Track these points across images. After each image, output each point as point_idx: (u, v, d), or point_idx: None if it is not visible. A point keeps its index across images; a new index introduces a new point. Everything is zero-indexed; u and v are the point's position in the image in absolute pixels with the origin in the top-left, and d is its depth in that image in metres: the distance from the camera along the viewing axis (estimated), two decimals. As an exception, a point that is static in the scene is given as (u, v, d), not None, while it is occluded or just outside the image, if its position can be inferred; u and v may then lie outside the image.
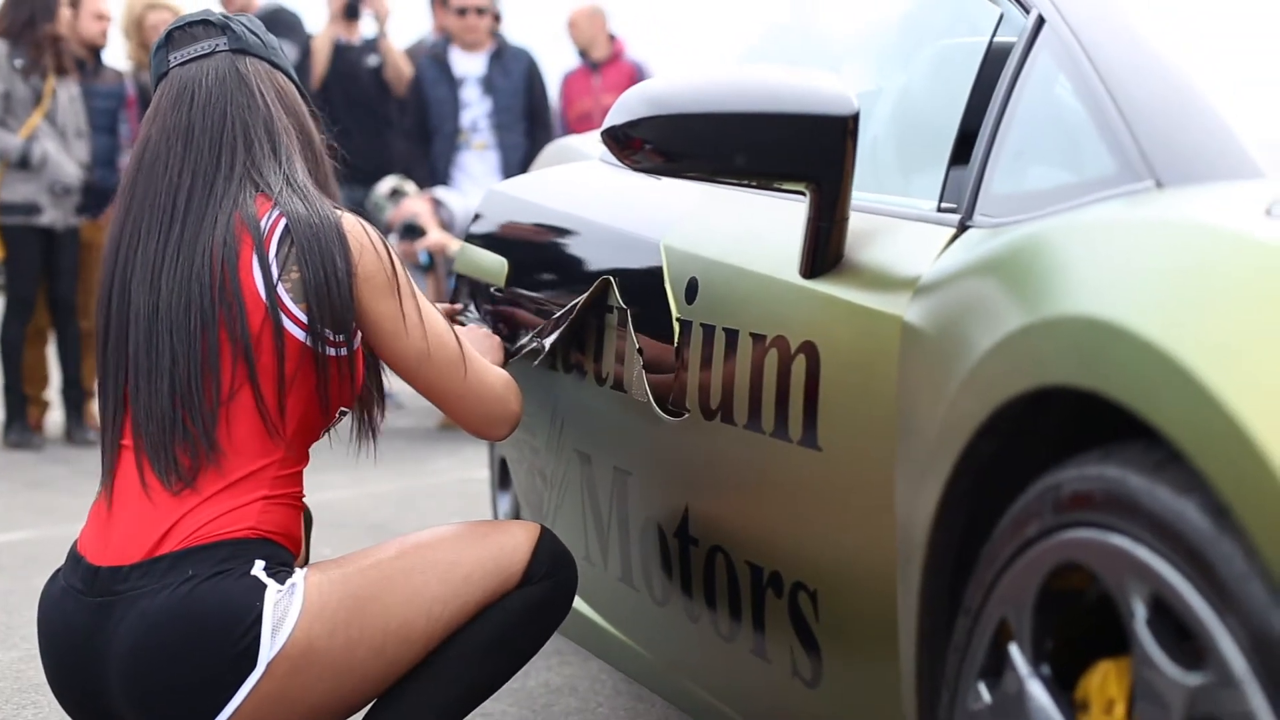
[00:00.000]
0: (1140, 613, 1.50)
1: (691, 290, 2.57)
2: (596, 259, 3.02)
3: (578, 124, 8.63)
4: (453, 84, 7.95)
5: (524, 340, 3.03)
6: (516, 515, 4.12)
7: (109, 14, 7.61)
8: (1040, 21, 2.21)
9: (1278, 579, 1.34)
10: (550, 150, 4.31)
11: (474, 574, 2.49)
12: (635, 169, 2.27)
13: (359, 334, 2.50)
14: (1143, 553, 1.49)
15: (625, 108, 2.22)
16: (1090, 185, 1.93)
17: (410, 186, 7.66)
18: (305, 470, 2.51)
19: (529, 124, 8.03)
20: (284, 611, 2.35)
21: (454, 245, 7.10)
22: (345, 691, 2.42)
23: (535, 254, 3.35)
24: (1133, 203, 1.79)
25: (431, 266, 7.22)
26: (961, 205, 2.13)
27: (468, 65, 8.01)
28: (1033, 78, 2.18)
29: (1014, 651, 1.69)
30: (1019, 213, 2.01)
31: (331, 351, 2.45)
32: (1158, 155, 1.86)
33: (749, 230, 2.55)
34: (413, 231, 7.17)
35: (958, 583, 1.88)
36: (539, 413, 3.15)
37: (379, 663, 2.43)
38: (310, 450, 2.54)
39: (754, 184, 2.27)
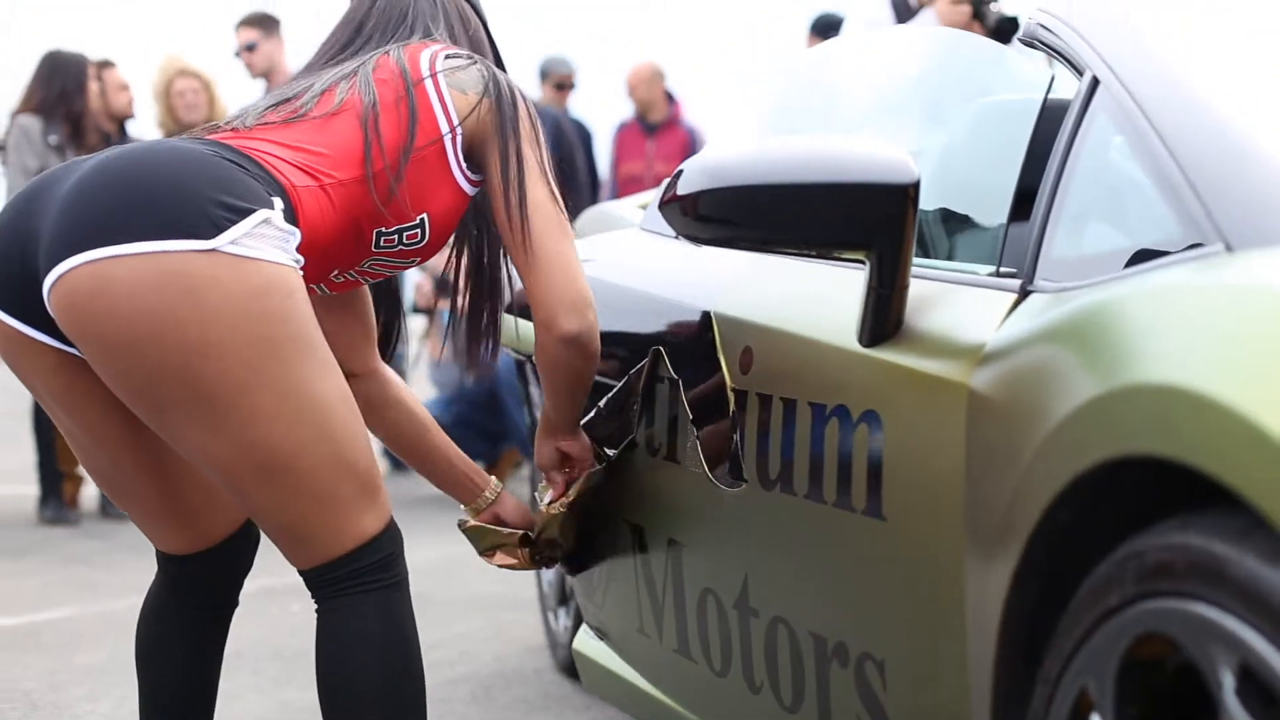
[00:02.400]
0: (1229, 682, 1.48)
1: (747, 360, 2.56)
2: (644, 328, 3.02)
3: (626, 185, 8.65)
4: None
5: (596, 423, 3.03)
6: (563, 586, 4.11)
7: (129, 84, 7.69)
8: (1095, 83, 2.21)
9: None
10: (588, 216, 4.32)
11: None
12: (696, 241, 2.27)
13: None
14: (1230, 622, 1.48)
15: (685, 180, 2.22)
16: (1155, 249, 1.92)
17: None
18: None
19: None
20: (265, 241, 2.31)
21: None
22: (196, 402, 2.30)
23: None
24: (1204, 267, 1.79)
25: None
26: (1022, 270, 2.13)
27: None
28: (1090, 140, 2.18)
29: (1096, 721, 1.68)
30: (1081, 277, 2.00)
31: (455, 166, 2.55)
32: (1225, 217, 1.86)
33: (803, 297, 2.54)
34: (447, 285, 7.21)
35: (1031, 653, 1.86)
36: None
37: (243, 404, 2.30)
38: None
39: (813, 253, 2.27)
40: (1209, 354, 1.56)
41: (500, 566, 3.02)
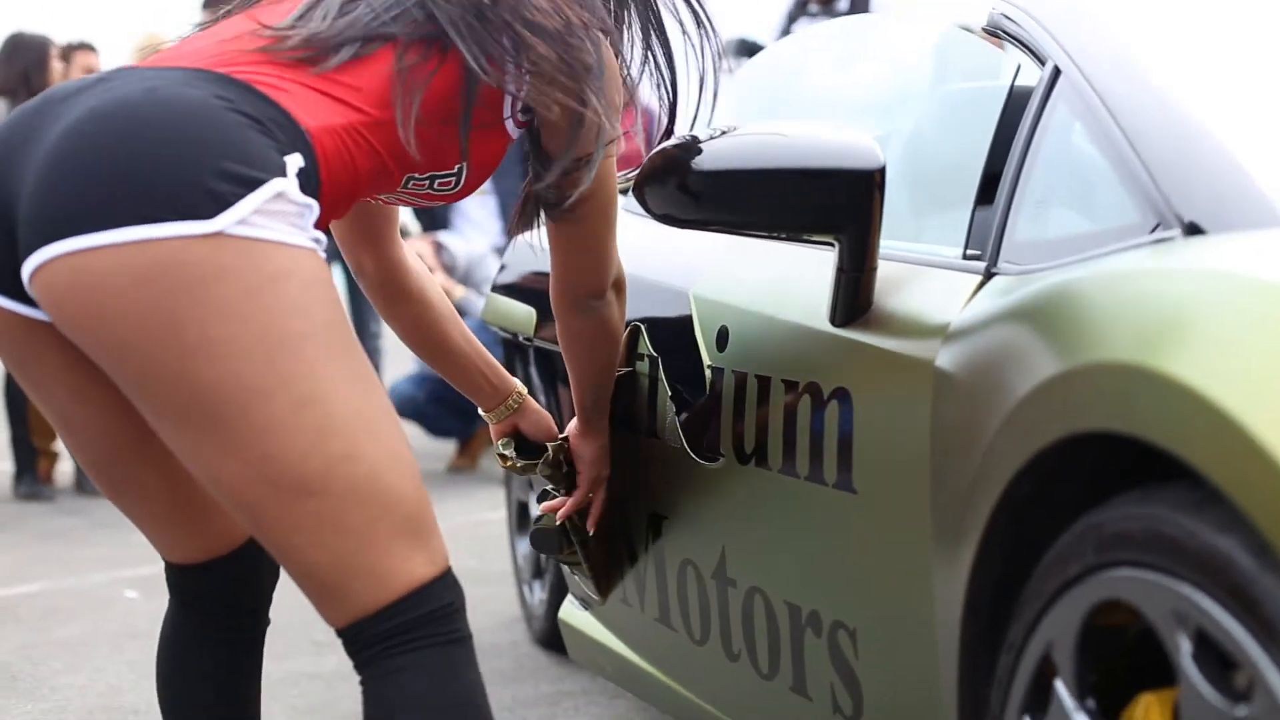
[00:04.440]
0: (1186, 647, 1.56)
1: (723, 339, 2.64)
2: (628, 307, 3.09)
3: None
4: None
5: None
6: (538, 560, 4.18)
7: (99, 67, 7.70)
8: (1056, 72, 2.28)
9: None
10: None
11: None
12: (668, 224, 2.34)
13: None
14: (1186, 589, 1.56)
15: (659, 164, 2.29)
16: (1115, 233, 2.00)
17: (414, 229, 7.75)
18: None
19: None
20: (278, 219, 1.93)
21: (457, 290, 7.19)
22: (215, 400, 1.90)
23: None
24: (1162, 251, 1.87)
25: None
26: (986, 253, 2.21)
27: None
28: (1051, 127, 2.25)
29: (1058, 686, 1.76)
30: (1043, 260, 2.08)
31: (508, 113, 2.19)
32: (1183, 204, 1.93)
33: (777, 279, 2.62)
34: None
35: (997, 622, 1.94)
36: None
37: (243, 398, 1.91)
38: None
39: (784, 237, 2.34)
40: (1163, 334, 1.63)
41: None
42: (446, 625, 2.00)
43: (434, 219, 8.06)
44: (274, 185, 1.91)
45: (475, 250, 7.54)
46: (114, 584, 5.13)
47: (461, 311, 7.23)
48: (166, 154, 1.89)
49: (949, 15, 2.86)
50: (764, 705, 2.58)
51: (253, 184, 1.89)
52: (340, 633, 2.02)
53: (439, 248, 7.42)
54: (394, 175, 2.14)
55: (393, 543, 1.96)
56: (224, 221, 1.87)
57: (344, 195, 2.09)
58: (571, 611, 3.48)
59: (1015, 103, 2.38)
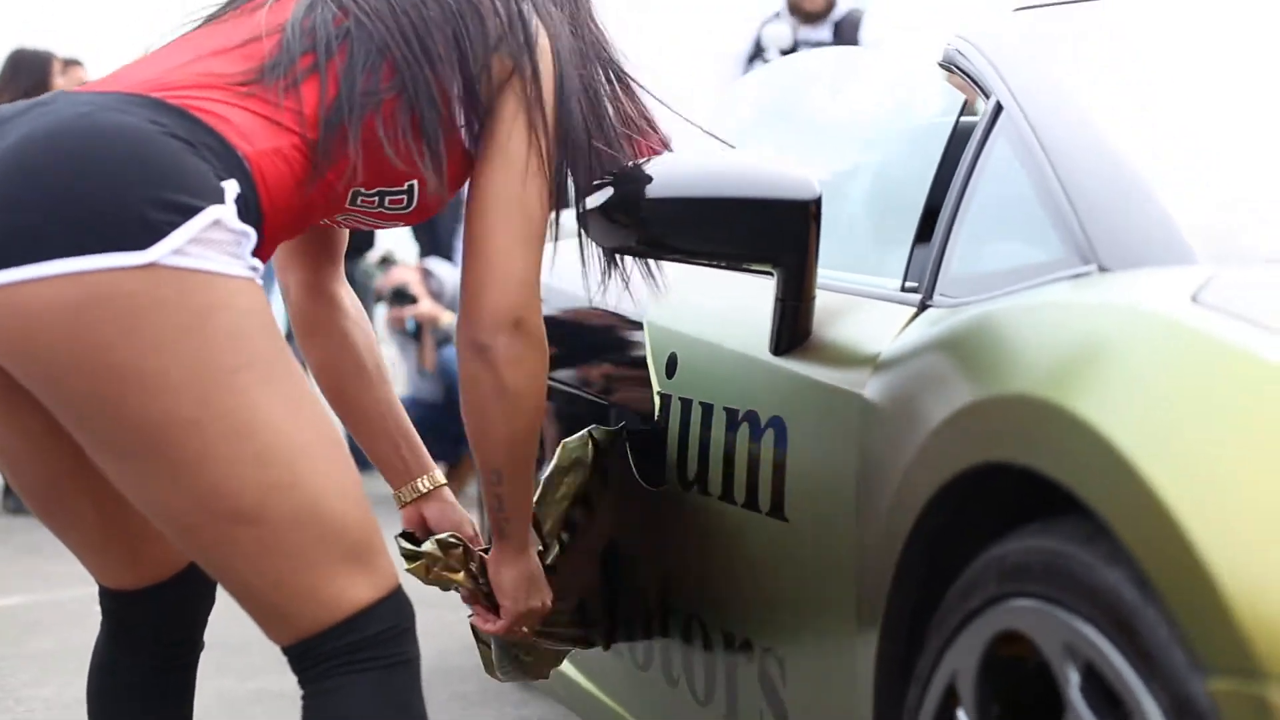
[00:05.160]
0: (1074, 679, 1.57)
1: (671, 366, 2.66)
2: (587, 335, 3.13)
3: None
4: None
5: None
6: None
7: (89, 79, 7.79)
8: (999, 108, 2.30)
9: (1195, 647, 1.41)
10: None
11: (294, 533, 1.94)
12: (610, 250, 2.36)
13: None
14: (1077, 622, 1.57)
15: (601, 192, 2.31)
16: (1041, 268, 2.01)
17: (400, 255, 7.80)
18: None
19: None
20: (214, 247, 1.89)
21: (445, 316, 7.23)
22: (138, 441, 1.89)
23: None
24: (1075, 286, 1.88)
25: (419, 334, 7.34)
26: (923, 285, 2.22)
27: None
28: (990, 163, 2.27)
29: (960, 717, 1.77)
30: (975, 293, 2.09)
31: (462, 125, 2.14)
32: (1101, 240, 1.95)
33: (726, 308, 2.64)
34: (402, 298, 7.30)
35: (911, 650, 1.95)
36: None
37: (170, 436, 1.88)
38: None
39: (724, 265, 2.36)
40: (1065, 366, 1.65)
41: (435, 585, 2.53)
42: (390, 648, 2.01)
43: (435, 243, 8.10)
44: (210, 213, 1.88)
45: (462, 276, 7.57)
46: (90, 599, 5.10)
47: (450, 338, 7.28)
48: (100, 182, 1.86)
49: (931, 49, 2.88)
50: (699, 731, 2.59)
51: (188, 212, 1.86)
52: (285, 650, 2.02)
53: (426, 274, 7.46)
54: (339, 193, 2.11)
55: (335, 567, 1.96)
56: (158, 252, 1.84)
57: (290, 220, 2.07)
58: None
59: (960, 138, 2.40)
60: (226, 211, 1.90)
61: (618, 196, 2.28)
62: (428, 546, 2.46)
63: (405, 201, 2.18)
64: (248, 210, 1.94)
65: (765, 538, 2.31)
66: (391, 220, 2.23)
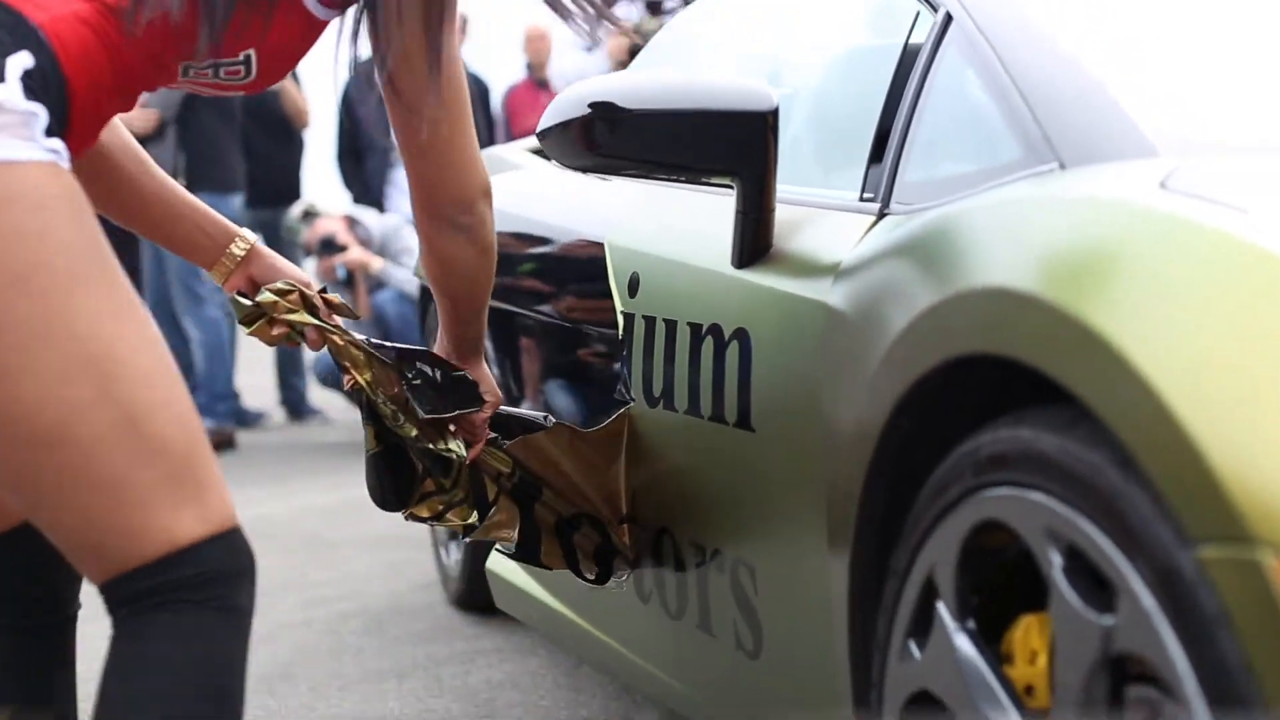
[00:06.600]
0: (1057, 561, 1.60)
1: (634, 285, 2.68)
2: (546, 259, 3.14)
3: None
4: (381, 101, 8.02)
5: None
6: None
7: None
8: (948, 19, 2.32)
9: (1182, 520, 1.44)
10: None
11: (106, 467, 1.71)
12: (571, 168, 2.38)
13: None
14: (1057, 505, 1.60)
15: (559, 109, 2.32)
16: (998, 170, 2.04)
17: (323, 207, 7.82)
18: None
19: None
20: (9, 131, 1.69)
21: (375, 263, 7.25)
22: None
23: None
24: (1038, 183, 1.91)
25: (350, 282, 7.35)
26: (879, 195, 2.25)
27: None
28: (942, 72, 2.29)
29: (940, 609, 1.80)
30: (932, 199, 2.12)
31: None
32: (1060, 139, 1.97)
33: (686, 227, 2.66)
34: (330, 248, 7.32)
35: (884, 551, 1.98)
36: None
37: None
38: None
39: (685, 179, 2.38)
40: (1035, 258, 1.67)
41: (275, 344, 2.43)
42: (215, 589, 1.75)
43: (366, 189, 8.08)
44: None
45: (389, 222, 7.61)
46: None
47: (382, 283, 7.28)
48: None
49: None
50: (672, 644, 2.62)
51: None
52: (100, 589, 1.78)
53: (352, 223, 7.47)
54: (168, 65, 1.92)
55: (151, 495, 1.72)
56: None
57: (106, 92, 1.85)
58: (497, 560, 3.52)
59: (911, 55, 2.42)
60: (8, 89, 1.69)
61: (577, 114, 2.30)
62: (262, 297, 2.35)
63: (243, 73, 1.98)
64: (46, 85, 1.74)
65: (732, 449, 2.34)
66: (229, 89, 2.02)
